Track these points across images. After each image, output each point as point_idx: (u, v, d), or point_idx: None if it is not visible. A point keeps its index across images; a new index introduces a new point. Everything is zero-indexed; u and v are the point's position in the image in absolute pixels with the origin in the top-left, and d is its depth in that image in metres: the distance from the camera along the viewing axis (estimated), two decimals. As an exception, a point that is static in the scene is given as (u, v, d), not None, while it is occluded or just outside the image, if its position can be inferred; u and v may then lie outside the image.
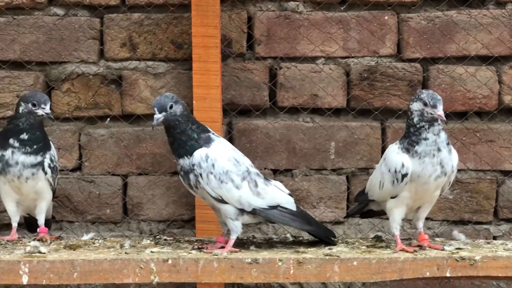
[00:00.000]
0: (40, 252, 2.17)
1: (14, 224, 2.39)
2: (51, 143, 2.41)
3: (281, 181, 2.64)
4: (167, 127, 2.20)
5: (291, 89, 2.71)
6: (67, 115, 2.69)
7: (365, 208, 2.41)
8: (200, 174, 2.16)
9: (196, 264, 2.08)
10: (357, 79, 2.72)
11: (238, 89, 2.70)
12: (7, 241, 2.34)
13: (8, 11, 2.67)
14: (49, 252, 2.18)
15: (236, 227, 2.19)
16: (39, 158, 2.30)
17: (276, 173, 2.73)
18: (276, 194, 2.24)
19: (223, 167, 2.17)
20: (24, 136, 2.29)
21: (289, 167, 2.71)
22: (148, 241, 2.34)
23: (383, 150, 2.71)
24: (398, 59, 2.72)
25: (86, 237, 2.38)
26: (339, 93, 2.72)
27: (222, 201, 2.18)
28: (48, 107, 2.29)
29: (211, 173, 2.16)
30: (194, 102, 2.60)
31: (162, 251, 2.18)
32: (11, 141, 2.29)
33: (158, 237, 2.42)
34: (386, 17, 2.71)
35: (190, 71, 2.66)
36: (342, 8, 2.72)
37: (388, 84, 2.72)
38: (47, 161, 2.32)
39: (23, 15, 2.67)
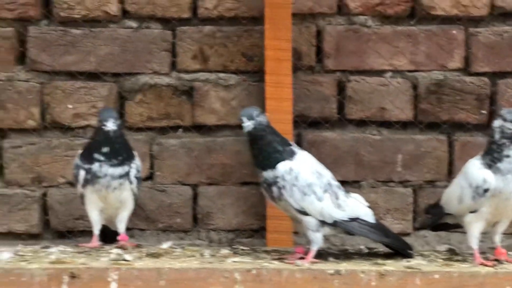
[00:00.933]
0: (125, 260, 2.21)
1: (96, 232, 2.43)
2: (135, 153, 2.44)
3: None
4: (253, 138, 2.22)
5: (359, 102, 2.71)
6: (139, 125, 2.70)
7: (438, 220, 2.43)
8: (284, 186, 2.19)
9: (280, 275, 2.11)
10: (425, 92, 2.73)
11: (308, 101, 2.71)
12: (90, 248, 2.39)
13: (84, 23, 2.71)
14: (133, 259, 2.22)
15: (317, 239, 2.22)
16: (125, 169, 2.35)
17: (343, 184, 2.64)
18: (356, 206, 2.27)
19: (306, 179, 2.20)
20: (105, 149, 2.34)
21: (357, 179, 2.71)
22: (227, 251, 2.37)
23: (450, 163, 2.73)
24: (466, 73, 2.74)
25: (165, 245, 2.41)
26: (406, 106, 2.73)
27: (304, 213, 2.21)
28: (109, 123, 2.32)
29: (295, 185, 2.18)
30: (267, 114, 2.55)
31: (244, 261, 2.22)
32: (95, 155, 2.35)
33: (235, 246, 2.45)
34: (454, 31, 2.73)
35: (260, 83, 2.67)
36: (411, 23, 2.74)
37: (455, 98, 2.73)
38: (133, 172, 2.37)
39: (99, 27, 2.69)
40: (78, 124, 2.70)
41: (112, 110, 2.43)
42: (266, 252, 2.37)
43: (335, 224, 2.22)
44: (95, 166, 2.34)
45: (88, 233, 2.65)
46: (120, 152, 2.36)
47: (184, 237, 2.72)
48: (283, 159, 2.20)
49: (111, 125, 2.32)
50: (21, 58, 2.69)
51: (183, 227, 2.71)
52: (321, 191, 2.20)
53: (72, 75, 2.68)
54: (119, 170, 2.34)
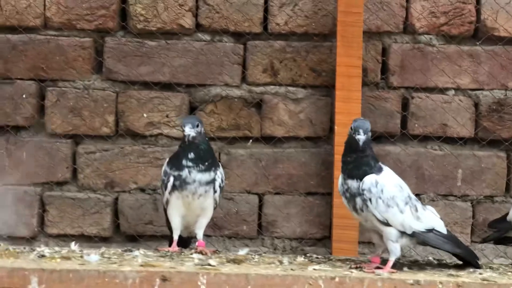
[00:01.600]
0: (210, 265, 2.25)
1: (176, 237, 2.47)
2: (219, 162, 2.48)
3: None
4: (357, 148, 2.28)
5: (422, 118, 2.78)
6: (210, 135, 2.73)
7: (503, 235, 2.50)
8: (370, 199, 2.28)
9: (361, 283, 2.18)
10: (486, 110, 2.80)
11: (373, 116, 2.76)
12: (171, 252, 2.43)
13: (160, 36, 2.77)
14: (217, 264, 2.26)
15: (396, 249, 2.31)
16: (212, 175, 2.39)
17: None
18: (432, 218, 2.35)
19: (390, 192, 2.29)
20: (191, 155, 2.39)
21: (418, 192, 2.77)
22: (302, 259, 2.43)
23: (508, 179, 2.82)
24: (526, 92, 2.81)
25: (242, 252, 2.46)
26: (467, 123, 2.80)
27: (387, 224, 2.31)
28: (187, 128, 2.38)
29: (380, 198, 2.27)
30: (336, 127, 2.68)
31: (325, 269, 2.27)
32: (183, 162, 2.40)
33: (309, 255, 2.50)
34: (515, 52, 2.80)
35: (327, 97, 2.77)
36: (476, 43, 2.81)
37: (516, 116, 2.80)
38: (218, 180, 2.42)
39: (173, 39, 2.75)
40: (150, 133, 2.76)
41: (194, 117, 2.47)
42: (341, 261, 2.43)
43: (413, 235, 2.30)
44: (185, 173, 2.39)
45: (156, 238, 2.77)
46: (205, 158, 2.38)
47: (248, 244, 2.78)
48: (371, 173, 2.29)
49: (188, 131, 2.37)
50: (98, 67, 2.75)
51: (248, 234, 2.77)
52: (403, 203, 2.29)
53: (147, 85, 2.75)
54: (206, 176, 2.38)
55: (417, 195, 2.74)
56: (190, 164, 2.39)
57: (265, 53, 2.76)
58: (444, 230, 2.37)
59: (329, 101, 2.75)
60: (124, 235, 2.77)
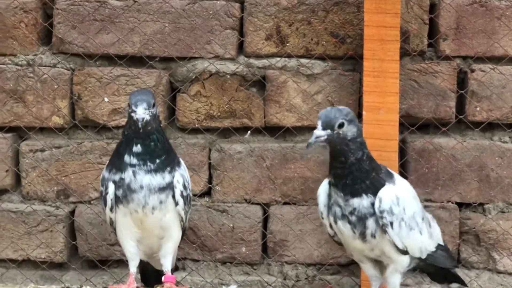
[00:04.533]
0: None
1: (133, 270, 1.97)
2: (181, 161, 2.02)
3: (468, 218, 2.29)
4: (334, 153, 1.85)
5: (487, 98, 2.29)
6: (195, 126, 2.32)
7: None
8: (391, 223, 1.82)
9: None
10: None
11: (416, 97, 2.30)
12: None
13: None
14: None
15: (398, 282, 1.90)
16: (167, 178, 1.92)
17: (462, 207, 2.28)
18: (437, 228, 1.99)
19: (412, 209, 1.88)
20: (138, 148, 1.90)
21: (481, 201, 2.30)
22: None
23: None
24: None
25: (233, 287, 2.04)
26: (549, 105, 2.30)
27: (404, 252, 1.88)
28: (139, 110, 1.89)
29: (403, 220, 1.86)
30: (364, 112, 2.19)
31: None
32: (126, 158, 1.91)
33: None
34: None
35: (354, 72, 2.35)
36: (561, -7, 2.21)
37: None
38: (179, 187, 1.93)
39: None
40: (116, 123, 2.36)
41: (148, 92, 1.98)
42: None
43: (425, 259, 1.93)
44: (128, 175, 1.90)
45: (125, 264, 2.27)
46: (157, 153, 1.91)
47: (250, 272, 2.34)
48: (384, 183, 1.86)
49: (141, 113, 1.88)
50: (46, 37, 2.38)
51: (249, 258, 2.34)
52: (420, 220, 1.90)
53: (110, 59, 2.36)
54: (158, 180, 1.91)
55: (479, 204, 2.30)
56: (134, 161, 1.90)
57: (268, 13, 2.33)
58: (441, 240, 2.01)
59: (356, 77, 2.33)
60: (84, 260, 2.36)
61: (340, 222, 1.84)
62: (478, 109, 2.29)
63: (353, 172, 1.83)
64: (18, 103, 2.34)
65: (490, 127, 2.32)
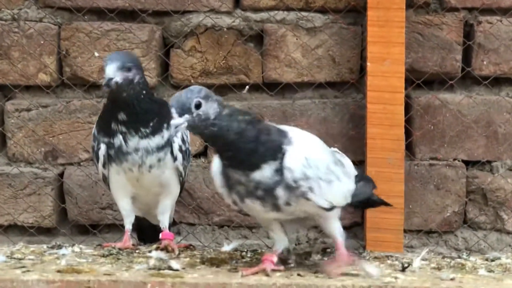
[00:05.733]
0: (171, 269, 1.63)
1: (128, 226, 1.88)
2: None
3: (475, 177, 2.21)
4: (209, 139, 1.66)
5: (494, 52, 2.23)
6: (191, 82, 2.23)
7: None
8: (310, 188, 1.66)
9: None
10: None
11: (421, 50, 2.22)
12: (119, 249, 1.84)
13: None
14: (183, 268, 1.65)
15: (337, 227, 1.75)
16: (165, 136, 1.81)
17: (469, 165, 2.20)
18: (348, 160, 1.85)
19: (324, 161, 1.71)
20: (122, 116, 1.78)
21: (489, 158, 2.23)
22: (318, 257, 1.82)
23: None
24: None
25: (227, 247, 1.86)
26: (559, 58, 2.22)
27: (331, 208, 1.72)
28: (109, 69, 1.76)
29: (320, 178, 1.68)
30: (368, 64, 2.12)
31: (351, 273, 1.62)
32: (113, 125, 1.80)
33: (329, 250, 1.89)
34: None
35: (356, 26, 2.28)
36: None
37: None
38: (177, 141, 1.84)
39: None
40: None
41: (127, 53, 1.90)
42: (379, 259, 1.82)
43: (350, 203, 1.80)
44: (118, 139, 1.80)
45: (117, 228, 2.24)
46: (147, 119, 1.80)
47: (248, 235, 2.26)
48: (281, 145, 1.67)
49: (110, 72, 1.75)
50: None
51: (248, 221, 2.27)
52: (335, 166, 1.74)
53: (100, 13, 2.28)
54: (156, 140, 1.81)
55: (487, 162, 2.23)
56: (123, 129, 1.80)
57: None
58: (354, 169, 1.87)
59: (358, 30, 2.25)
60: (74, 224, 2.26)
61: (247, 200, 1.66)
62: (485, 62, 2.22)
63: (241, 147, 1.64)
64: (3, 60, 2.26)
65: (497, 81, 2.25)
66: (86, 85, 2.24)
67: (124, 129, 1.78)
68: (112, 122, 1.79)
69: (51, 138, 2.23)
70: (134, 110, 1.77)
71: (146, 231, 1.96)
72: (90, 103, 2.22)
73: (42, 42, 2.23)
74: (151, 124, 1.80)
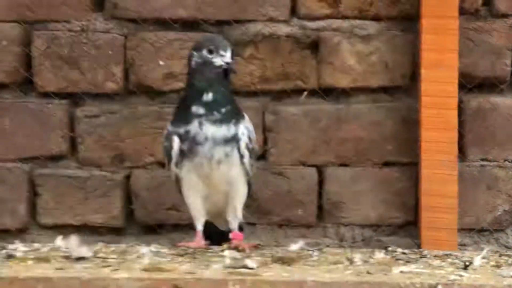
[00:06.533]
0: (247, 267, 1.72)
1: (200, 227, 1.98)
2: (245, 114, 2.03)
3: None
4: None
5: None
6: (249, 88, 2.33)
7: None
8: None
9: None
10: None
11: (472, 56, 2.29)
12: (194, 249, 1.94)
13: None
14: (258, 267, 1.74)
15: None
16: (232, 130, 1.92)
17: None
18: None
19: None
20: (208, 96, 1.91)
21: None
22: (382, 255, 1.89)
23: None
24: None
25: (294, 247, 1.95)
26: None
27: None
28: (228, 55, 1.93)
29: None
30: (422, 70, 2.20)
31: (417, 271, 1.70)
32: (194, 108, 1.91)
33: (390, 249, 1.98)
34: None
35: (408, 33, 2.33)
36: None
37: None
38: (244, 139, 1.93)
39: None
40: (170, 87, 2.36)
41: (223, 38, 2.04)
42: (439, 258, 1.87)
43: None
44: (194, 126, 1.90)
45: (182, 228, 2.33)
46: (225, 101, 1.93)
47: (306, 233, 2.35)
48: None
49: (228, 59, 1.92)
50: (100, 2, 2.38)
51: (305, 221, 2.35)
52: None
53: (164, 23, 2.36)
54: (223, 130, 1.91)
55: None
56: (202, 111, 1.91)
57: None
58: None
59: (410, 37, 2.31)
60: (140, 224, 2.36)
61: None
62: None
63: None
64: (73, 70, 2.33)
65: None
66: (151, 93, 2.33)
67: (202, 111, 1.89)
68: (193, 105, 1.90)
69: (118, 143, 2.33)
70: (221, 90, 1.91)
71: (214, 237, 2.04)
72: (154, 109, 2.31)
73: (110, 52, 2.32)
74: (223, 110, 1.90)
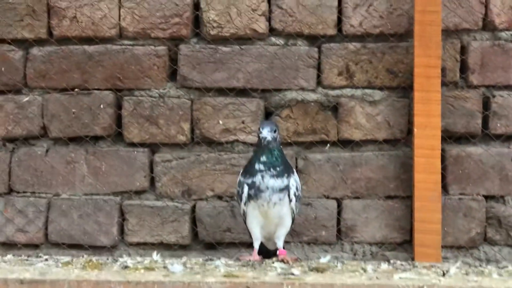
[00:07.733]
0: (293, 274, 2.19)
1: (256, 246, 2.43)
2: (295, 171, 2.43)
3: (492, 207, 2.61)
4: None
5: (505, 117, 2.65)
6: (286, 140, 2.67)
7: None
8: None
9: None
10: None
11: (452, 117, 2.65)
12: (252, 261, 2.38)
13: (233, 41, 2.70)
14: (300, 274, 2.19)
15: None
16: (285, 181, 2.33)
17: (488, 199, 2.67)
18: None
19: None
20: (264, 158, 2.35)
21: (502, 194, 2.64)
22: (386, 266, 2.34)
23: None
24: None
25: (324, 259, 2.40)
26: (553, 122, 2.65)
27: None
28: (265, 131, 2.35)
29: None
30: (415, 130, 2.57)
31: (412, 277, 2.17)
32: (256, 166, 2.36)
33: (392, 261, 2.42)
34: None
35: (404, 99, 2.67)
36: (559, 39, 2.67)
37: None
38: (293, 189, 2.35)
39: (247, 45, 2.69)
40: (226, 139, 2.70)
41: (272, 122, 2.44)
42: (426, 267, 2.32)
43: None
44: (258, 178, 2.35)
45: (235, 245, 2.67)
46: (277, 163, 2.34)
47: (328, 249, 2.69)
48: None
49: (265, 133, 2.34)
50: (173, 75, 2.70)
51: (327, 240, 2.68)
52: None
53: (221, 91, 2.69)
54: (278, 183, 2.33)
55: (501, 197, 2.67)
56: (262, 167, 2.33)
57: (340, 55, 2.68)
58: None
59: (406, 102, 2.66)
60: (203, 243, 2.70)
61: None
62: (498, 125, 2.60)
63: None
64: (153, 126, 2.65)
65: (508, 138, 2.62)
66: (211, 143, 2.66)
67: (263, 168, 2.31)
68: (256, 163, 2.32)
69: (186, 181, 2.65)
70: (272, 154, 2.32)
71: (264, 254, 2.43)
72: (214, 156, 2.65)
73: (180, 112, 2.65)
74: (278, 168, 2.32)
